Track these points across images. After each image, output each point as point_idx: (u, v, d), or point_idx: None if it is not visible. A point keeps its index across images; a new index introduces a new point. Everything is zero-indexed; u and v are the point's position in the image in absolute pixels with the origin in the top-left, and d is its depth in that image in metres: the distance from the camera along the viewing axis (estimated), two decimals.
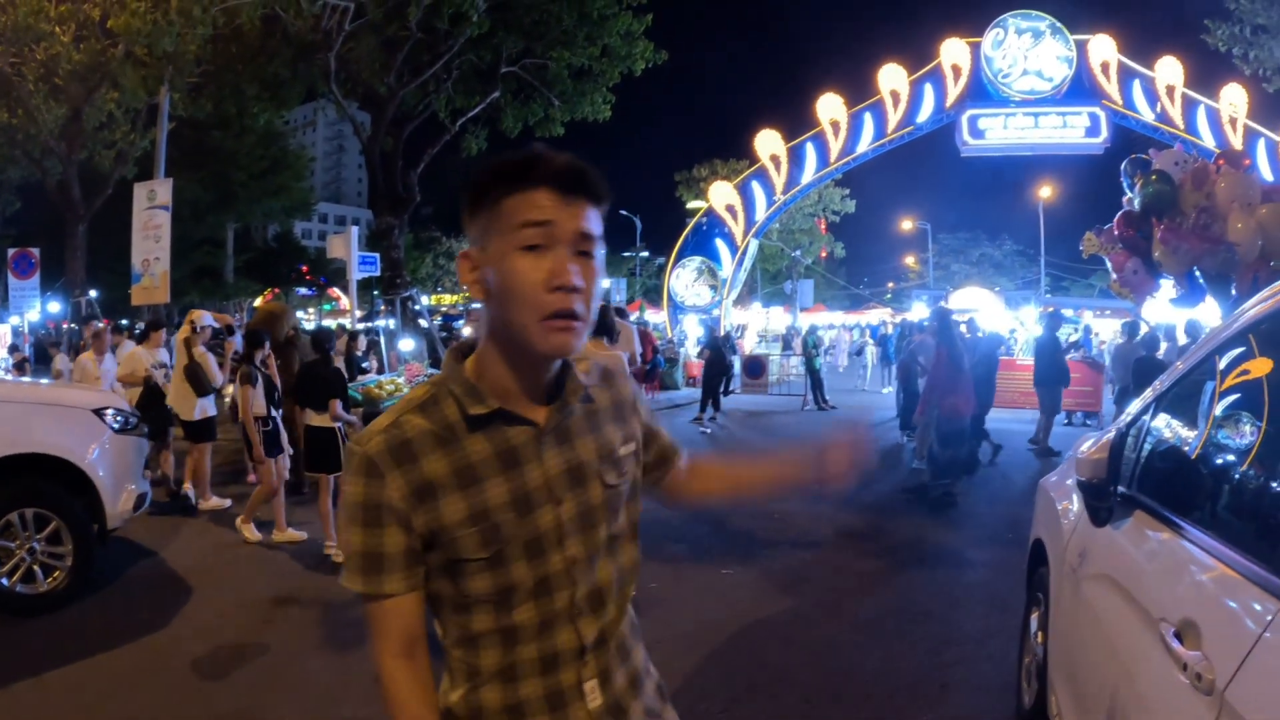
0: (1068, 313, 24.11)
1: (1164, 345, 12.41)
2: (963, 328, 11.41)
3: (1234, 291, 14.03)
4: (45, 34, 15.16)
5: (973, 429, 10.69)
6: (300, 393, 7.58)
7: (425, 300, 40.64)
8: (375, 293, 25.09)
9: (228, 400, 10.03)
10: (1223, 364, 2.48)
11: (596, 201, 1.37)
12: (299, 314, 47.10)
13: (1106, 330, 25.85)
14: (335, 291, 50.95)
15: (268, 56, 17.31)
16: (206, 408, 9.08)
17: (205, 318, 9.49)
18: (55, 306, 25.77)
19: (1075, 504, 3.24)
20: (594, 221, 1.36)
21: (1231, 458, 2.27)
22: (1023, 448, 12.82)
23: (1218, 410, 2.46)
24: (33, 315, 21.02)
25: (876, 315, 39.94)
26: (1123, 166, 16.47)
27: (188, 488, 9.05)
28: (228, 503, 8.92)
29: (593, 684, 1.46)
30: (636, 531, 1.61)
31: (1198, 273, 14.63)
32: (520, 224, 1.31)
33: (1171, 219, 14.67)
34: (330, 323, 27.73)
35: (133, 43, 14.40)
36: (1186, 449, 2.63)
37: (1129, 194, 15.90)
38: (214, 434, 9.31)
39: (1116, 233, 16.04)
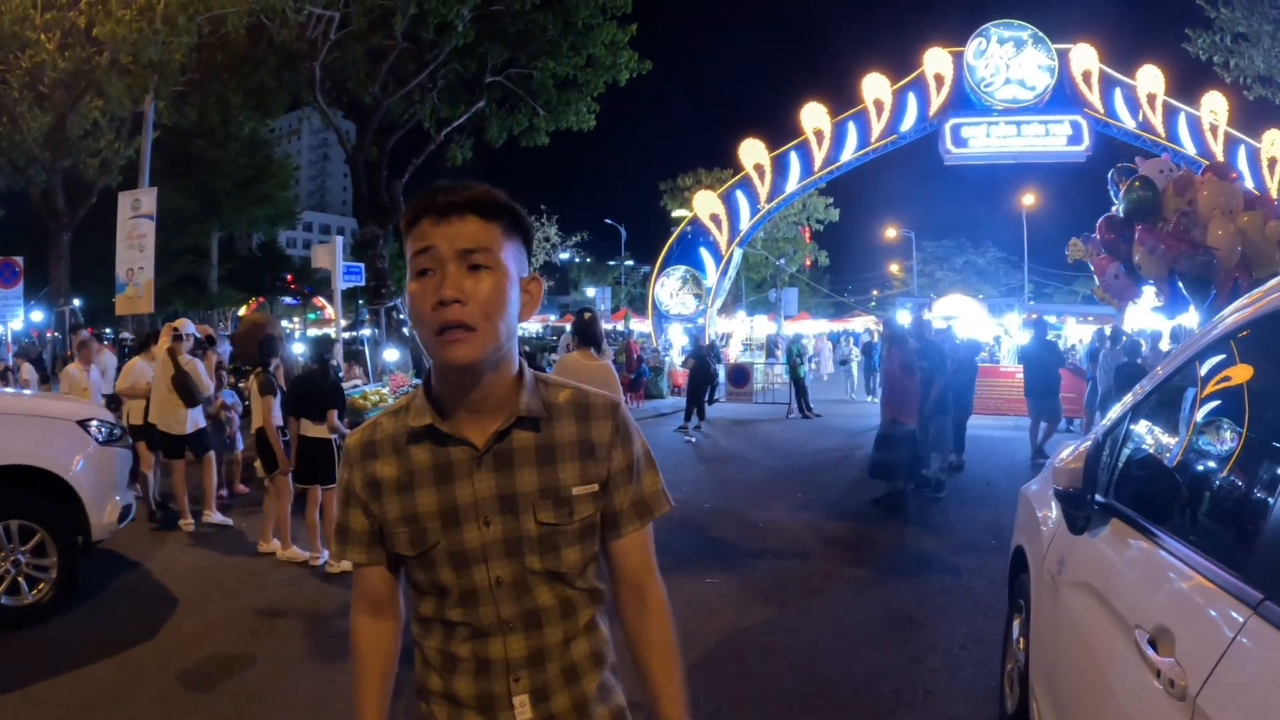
0: (1050, 319, 24.18)
1: (1145, 349, 12.51)
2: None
3: (1215, 295, 14.13)
4: (30, 41, 15.10)
5: (955, 436, 10.81)
6: (295, 403, 7.50)
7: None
8: (360, 302, 25.01)
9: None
10: (1201, 371, 2.51)
11: (482, 215, 1.44)
12: (283, 323, 46.95)
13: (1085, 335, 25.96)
14: (320, 301, 50.76)
15: (253, 65, 17.27)
16: (198, 419, 8.72)
17: (187, 325, 9.21)
18: (39, 315, 25.64)
19: (1055, 511, 3.28)
20: (481, 237, 1.43)
21: (1206, 466, 2.30)
22: (1007, 454, 12.86)
23: (1194, 417, 2.50)
24: (15, 324, 20.88)
25: (860, 323, 40.02)
26: (1110, 175, 16.60)
27: (185, 520, 8.53)
28: (229, 521, 8.68)
29: (523, 699, 1.52)
30: (596, 566, 1.62)
31: (1180, 282, 14.71)
32: (411, 255, 1.44)
33: (1150, 223, 14.79)
34: (314, 332, 27.62)
35: (118, 51, 14.34)
36: (1162, 457, 2.67)
37: (1115, 201, 16.02)
38: (209, 445, 8.98)
39: (1099, 237, 16.16)
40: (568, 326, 10.87)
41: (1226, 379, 2.37)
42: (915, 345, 10.12)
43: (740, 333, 34.83)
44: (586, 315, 6.23)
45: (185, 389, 8.50)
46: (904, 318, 12.39)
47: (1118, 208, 15.73)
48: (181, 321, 9.19)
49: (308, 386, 7.45)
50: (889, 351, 10.09)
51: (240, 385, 10.76)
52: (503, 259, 1.44)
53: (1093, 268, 17.06)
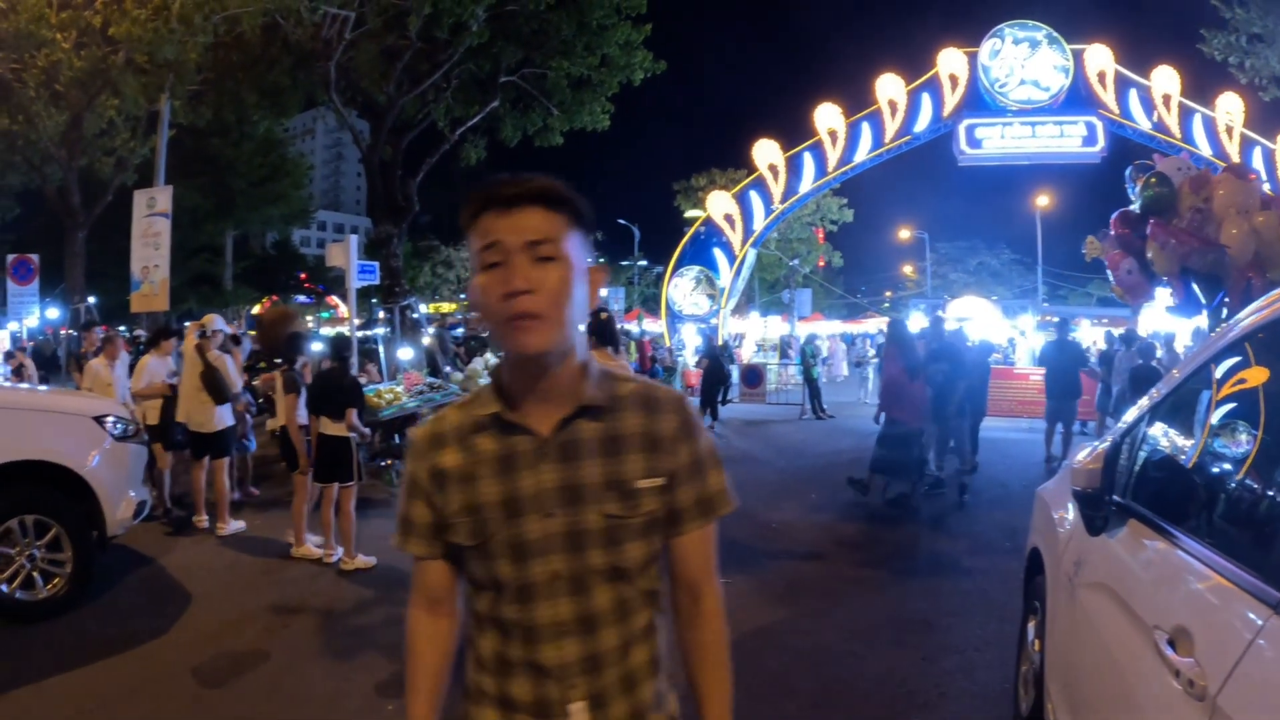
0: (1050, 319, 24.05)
1: (1160, 352, 12.40)
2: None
3: (1227, 298, 14.05)
4: (46, 40, 15.16)
5: (971, 439, 10.76)
6: (316, 401, 7.48)
7: (423, 308, 40.63)
8: (374, 301, 25.07)
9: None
10: (1218, 373, 2.50)
11: (546, 206, 1.45)
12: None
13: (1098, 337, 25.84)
14: (333, 299, 50.92)
15: (268, 65, 17.32)
16: (225, 417, 8.56)
17: (217, 321, 8.97)
18: (54, 313, 25.78)
19: (1071, 513, 3.26)
20: (546, 228, 1.44)
21: (1224, 467, 2.29)
22: (1021, 456, 12.81)
23: (1212, 419, 2.48)
24: (31, 321, 21.05)
25: (874, 324, 39.93)
26: (1127, 172, 16.55)
27: (200, 517, 8.46)
28: (243, 525, 8.47)
29: (580, 706, 1.50)
30: (658, 566, 1.62)
31: (1194, 284, 14.66)
32: (478, 250, 1.46)
33: (1167, 219, 14.73)
34: (327, 331, 27.70)
35: (134, 50, 14.41)
36: (1180, 458, 2.66)
37: (1132, 198, 15.97)
38: (231, 448, 8.81)
39: (1113, 232, 16.11)
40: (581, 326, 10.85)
41: (1244, 381, 2.36)
42: (925, 347, 10.16)
43: (754, 333, 34.79)
44: (603, 315, 6.24)
45: (215, 386, 8.36)
46: (918, 320, 12.35)
47: (1135, 204, 15.70)
48: (211, 318, 9.04)
49: (327, 384, 7.45)
50: (890, 352, 10.09)
51: (254, 383, 10.79)
52: (567, 249, 1.46)
53: (1107, 263, 16.99)
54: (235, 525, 8.37)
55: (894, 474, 9.62)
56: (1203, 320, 15.15)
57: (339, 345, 7.96)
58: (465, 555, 1.57)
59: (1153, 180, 15.32)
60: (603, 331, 6.96)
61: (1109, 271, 16.85)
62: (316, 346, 10.42)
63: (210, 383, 8.34)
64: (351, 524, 7.20)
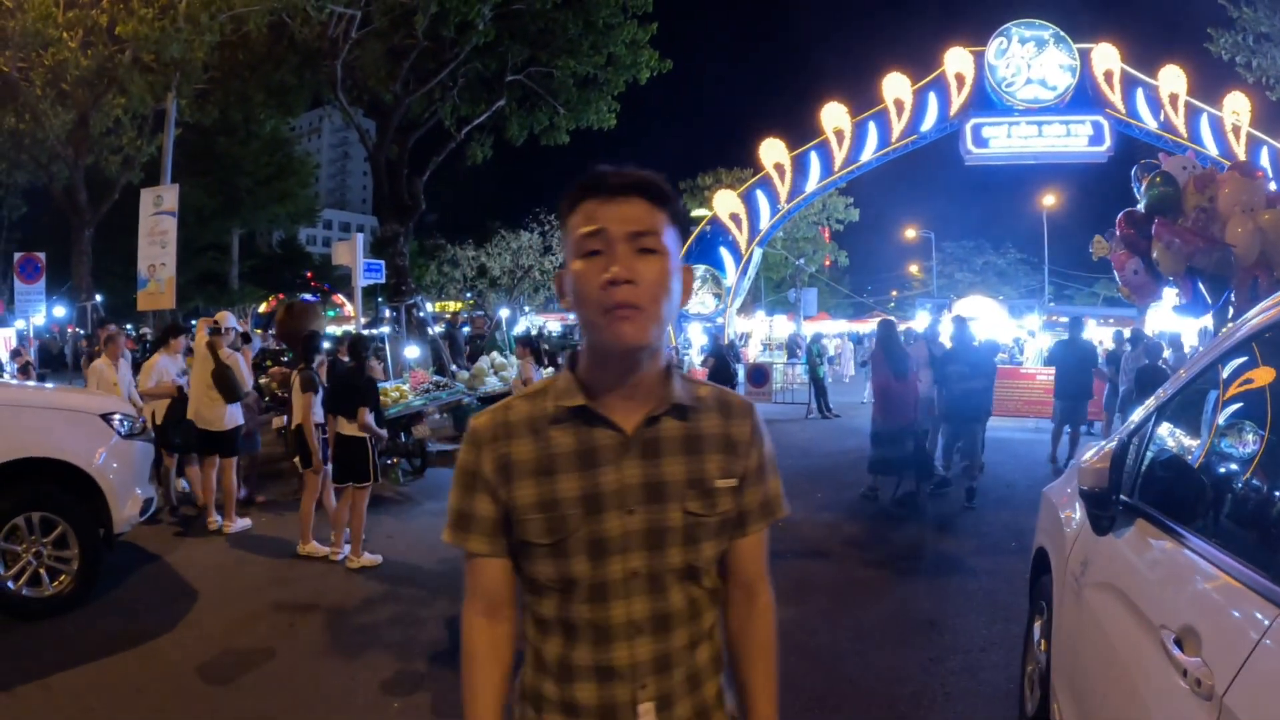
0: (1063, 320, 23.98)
1: (1167, 352, 12.33)
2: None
3: (1233, 298, 14.01)
4: (53, 39, 15.21)
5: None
6: (332, 400, 7.49)
7: (430, 307, 40.63)
8: (380, 300, 25.08)
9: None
10: (1225, 373, 2.49)
11: (652, 201, 1.44)
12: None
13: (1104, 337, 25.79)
14: (339, 298, 50.99)
15: (274, 64, 17.33)
16: (236, 416, 8.48)
17: (229, 318, 8.86)
18: (61, 311, 25.85)
19: (1078, 513, 3.26)
20: (649, 220, 1.43)
21: (1232, 466, 2.28)
22: (1028, 456, 12.80)
23: (1219, 418, 2.48)
24: (38, 320, 21.09)
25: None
26: (1133, 171, 16.49)
27: (212, 518, 8.32)
28: (249, 523, 8.44)
29: (648, 707, 1.49)
30: (726, 566, 1.62)
31: (1200, 284, 14.63)
32: (579, 236, 1.43)
33: (1172, 218, 14.69)
34: (334, 329, 27.73)
35: (140, 49, 14.44)
36: (1187, 458, 2.65)
37: (1138, 197, 15.93)
38: (240, 447, 8.74)
39: (1118, 232, 16.09)
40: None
41: (1251, 380, 2.35)
42: (928, 348, 10.22)
43: (760, 332, 34.78)
44: None
45: (227, 384, 8.28)
46: (923, 319, 12.29)
47: (1140, 203, 15.65)
48: (223, 315, 8.95)
49: (344, 384, 7.44)
50: (877, 355, 10.03)
51: (261, 381, 10.79)
52: (668, 244, 1.45)
53: (1113, 263, 16.98)
54: (241, 523, 8.34)
55: (891, 472, 9.69)
56: (1208, 320, 15.10)
57: (356, 344, 7.93)
58: (532, 554, 1.52)
59: (1157, 179, 15.27)
60: None
61: (1115, 272, 16.82)
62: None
63: (222, 381, 8.28)
64: (361, 523, 7.21)
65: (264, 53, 16.88)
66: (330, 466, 7.52)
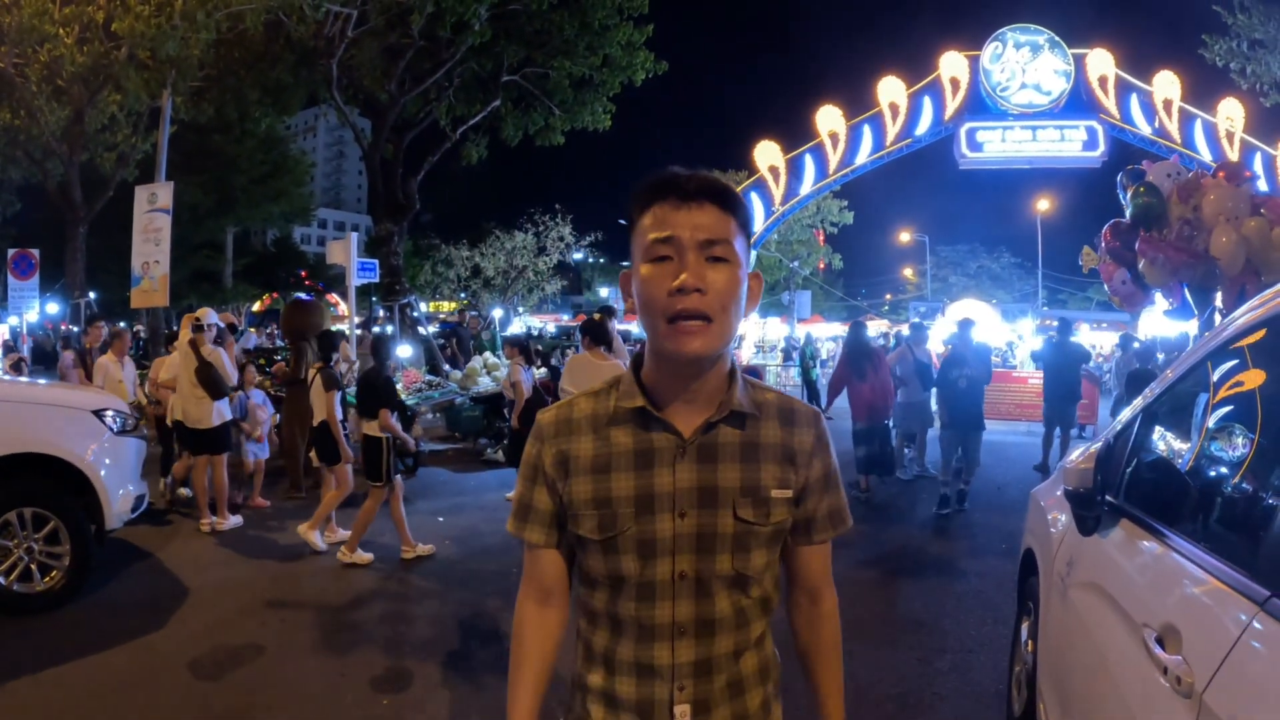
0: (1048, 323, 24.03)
1: (1161, 357, 12.36)
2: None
3: (1219, 305, 14.10)
4: (49, 35, 15.15)
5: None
6: (358, 400, 7.50)
7: (423, 307, 40.54)
8: (374, 299, 25.05)
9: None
10: (1213, 374, 2.51)
11: (724, 208, 1.44)
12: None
13: (1104, 342, 25.88)
14: (334, 297, 50.91)
15: (270, 62, 17.30)
16: (224, 412, 8.43)
17: (210, 315, 8.82)
18: (54, 308, 25.77)
19: (1065, 514, 3.28)
20: (721, 228, 1.42)
21: (1217, 467, 2.30)
22: (1020, 459, 12.83)
23: (1205, 420, 2.50)
24: (31, 316, 21.02)
25: (874, 327, 39.95)
26: (1119, 178, 16.59)
27: (205, 519, 8.22)
28: (241, 520, 8.44)
29: (684, 709, 1.51)
30: (776, 575, 1.62)
31: (1188, 292, 14.76)
32: (649, 241, 1.43)
33: (1155, 230, 14.82)
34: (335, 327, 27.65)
35: (136, 46, 14.39)
36: (1172, 459, 2.67)
37: (1124, 205, 16.04)
38: (230, 443, 8.67)
39: (1104, 244, 16.23)
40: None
41: (1239, 382, 2.37)
42: (919, 353, 10.34)
43: (753, 334, 34.80)
44: (597, 316, 6.30)
45: (211, 381, 8.22)
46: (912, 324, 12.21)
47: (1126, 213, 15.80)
48: (204, 311, 8.86)
49: (364, 384, 7.45)
50: (842, 357, 10.40)
51: (259, 380, 10.78)
52: (739, 252, 1.45)
53: (1101, 274, 17.12)
54: (233, 520, 8.33)
55: (877, 469, 9.92)
56: (1192, 326, 15.23)
57: (378, 344, 7.95)
58: (586, 548, 1.54)
59: (1141, 190, 15.44)
60: (596, 331, 7.03)
61: (1104, 281, 16.96)
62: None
63: (206, 378, 8.23)
64: (369, 521, 7.21)
65: (260, 51, 16.85)
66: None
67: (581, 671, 1.60)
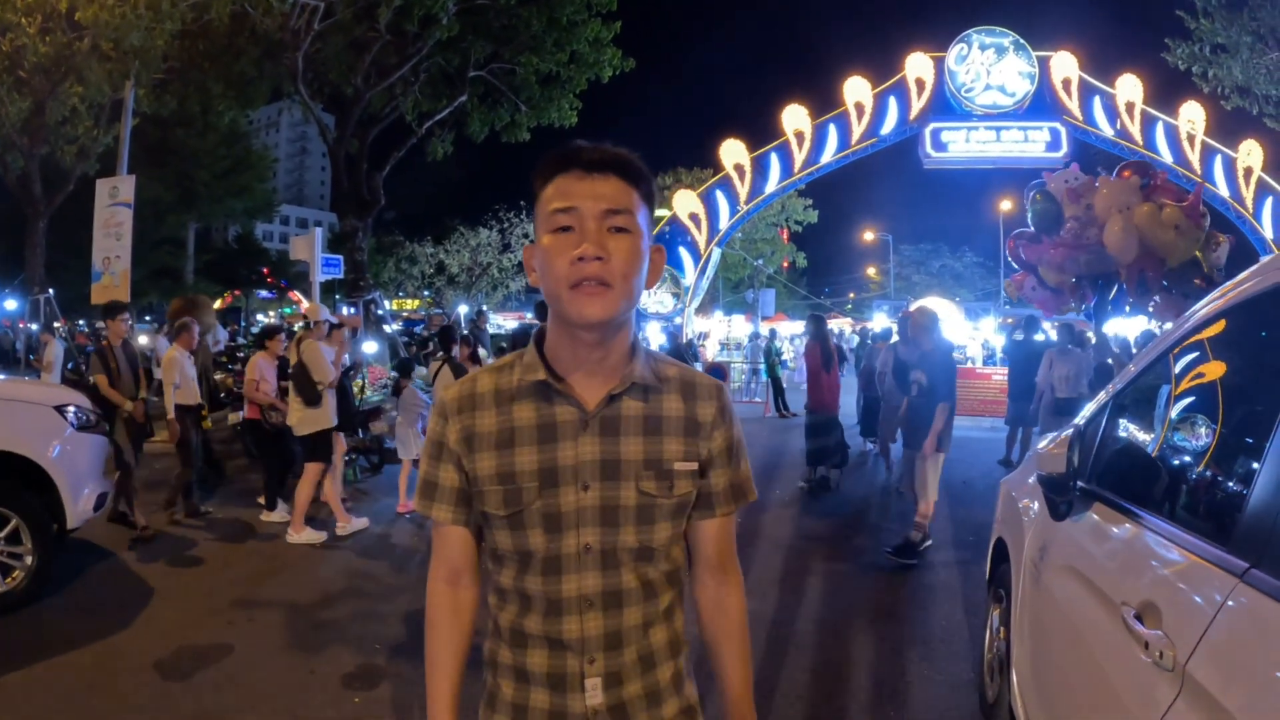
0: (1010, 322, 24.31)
1: (1117, 351, 12.55)
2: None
3: (1125, 293, 14.72)
4: (11, 25, 14.89)
5: None
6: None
7: (387, 305, 40.26)
8: (337, 296, 24.86)
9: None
10: (1178, 359, 2.57)
11: (626, 180, 1.45)
12: (259, 316, 46.69)
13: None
14: (296, 295, 50.49)
15: (235, 54, 17.12)
16: (318, 419, 7.94)
17: (322, 312, 8.49)
18: (12, 304, 25.34)
19: (1036, 501, 3.32)
20: (623, 199, 1.43)
21: (1189, 445, 2.34)
22: (985, 454, 12.95)
23: (1175, 394, 2.55)
24: None
25: (837, 325, 40.18)
26: (1026, 193, 17.18)
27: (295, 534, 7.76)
28: (324, 535, 7.82)
29: (595, 682, 1.50)
30: (682, 547, 1.63)
31: (1086, 285, 15.46)
32: (550, 210, 1.43)
33: (1051, 234, 15.39)
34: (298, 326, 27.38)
35: (100, 36, 14.16)
36: (1143, 441, 2.72)
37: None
38: (327, 454, 8.08)
39: (1009, 254, 16.90)
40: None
41: (1204, 363, 2.43)
42: (835, 342, 10.50)
43: (718, 332, 34.89)
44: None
45: (300, 386, 7.91)
46: (881, 321, 12.25)
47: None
48: (313, 308, 8.62)
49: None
50: (811, 348, 10.45)
51: (217, 377, 10.67)
52: (641, 223, 1.46)
53: (1014, 284, 17.75)
54: (307, 534, 7.78)
55: (825, 461, 10.17)
56: (1145, 323, 15.70)
57: (445, 335, 8.75)
58: (492, 524, 1.54)
59: (1038, 198, 16.14)
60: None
61: (1018, 291, 17.71)
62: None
63: (295, 383, 7.98)
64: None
65: (224, 43, 16.67)
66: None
67: (492, 648, 1.60)
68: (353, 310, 17.05)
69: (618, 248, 1.41)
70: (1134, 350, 13.29)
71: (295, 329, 10.22)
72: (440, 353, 8.63)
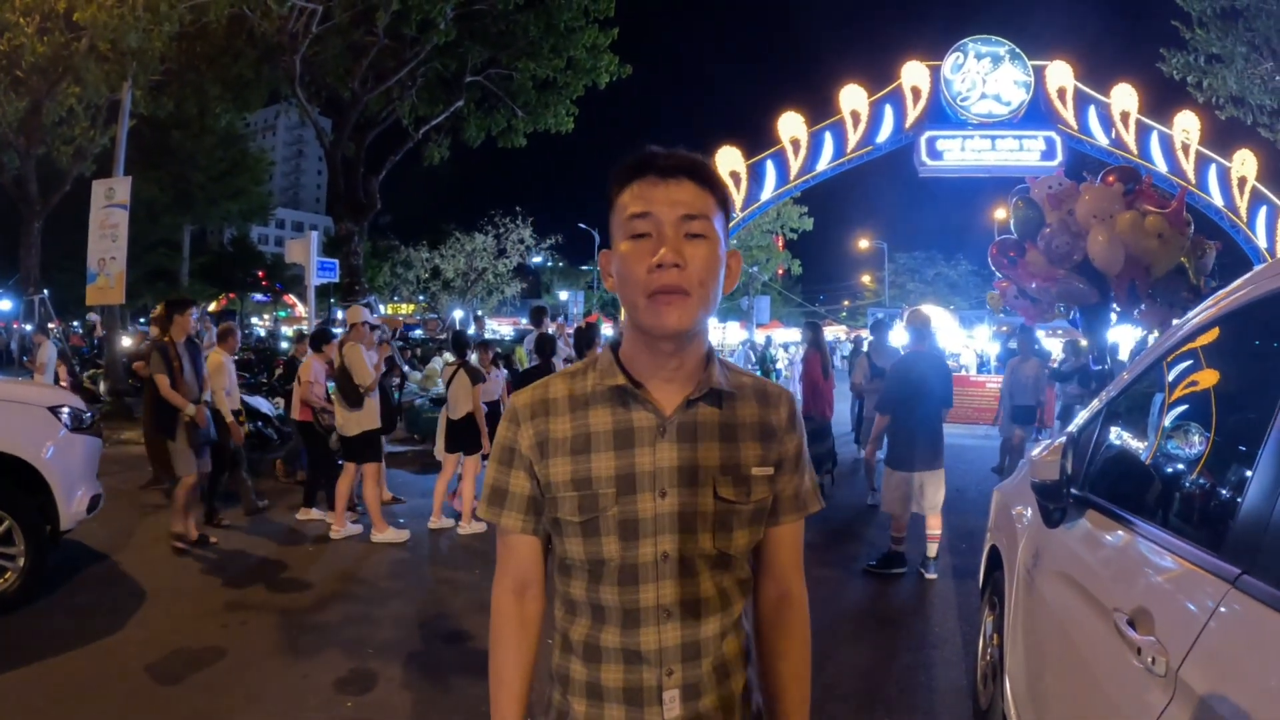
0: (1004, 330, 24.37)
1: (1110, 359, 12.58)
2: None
3: (1114, 304, 14.65)
4: (9, 25, 14.86)
5: None
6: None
7: (382, 309, 40.18)
8: (332, 300, 24.83)
9: None
10: (1171, 368, 2.59)
11: (702, 185, 1.44)
12: (253, 320, 46.69)
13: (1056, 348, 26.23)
14: (291, 298, 50.43)
15: (232, 57, 17.14)
16: (362, 420, 7.95)
17: (363, 313, 8.32)
18: (6, 305, 25.29)
19: (1030, 509, 3.33)
20: (699, 204, 1.43)
21: (1181, 453, 2.36)
22: (979, 461, 12.97)
23: (1165, 416, 2.56)
24: None
25: (831, 332, 40.22)
26: (1009, 198, 17.20)
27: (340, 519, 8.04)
28: (359, 529, 8.17)
29: (674, 694, 1.47)
30: (758, 557, 1.62)
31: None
32: (628, 217, 1.42)
33: (1033, 242, 15.37)
34: (289, 330, 27.33)
35: (98, 37, 14.13)
36: (1136, 449, 2.74)
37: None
38: (375, 454, 8.20)
39: (992, 261, 16.86)
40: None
41: (1197, 371, 2.44)
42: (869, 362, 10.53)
43: (713, 338, 34.92)
44: (587, 322, 6.49)
45: (342, 388, 7.93)
46: (900, 334, 12.02)
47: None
48: (355, 310, 8.51)
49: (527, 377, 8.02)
50: (810, 355, 10.48)
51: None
52: (717, 229, 1.44)
53: (998, 293, 17.78)
54: (349, 528, 8.13)
55: (817, 468, 9.85)
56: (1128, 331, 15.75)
57: (543, 343, 8.90)
58: (564, 532, 1.50)
59: (1020, 204, 16.12)
60: (588, 338, 7.25)
61: (1000, 298, 17.72)
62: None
63: (338, 385, 7.99)
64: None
65: (222, 45, 16.69)
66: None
67: (561, 664, 1.55)
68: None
69: (695, 254, 1.40)
70: (1116, 357, 13.34)
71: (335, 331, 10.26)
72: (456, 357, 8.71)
